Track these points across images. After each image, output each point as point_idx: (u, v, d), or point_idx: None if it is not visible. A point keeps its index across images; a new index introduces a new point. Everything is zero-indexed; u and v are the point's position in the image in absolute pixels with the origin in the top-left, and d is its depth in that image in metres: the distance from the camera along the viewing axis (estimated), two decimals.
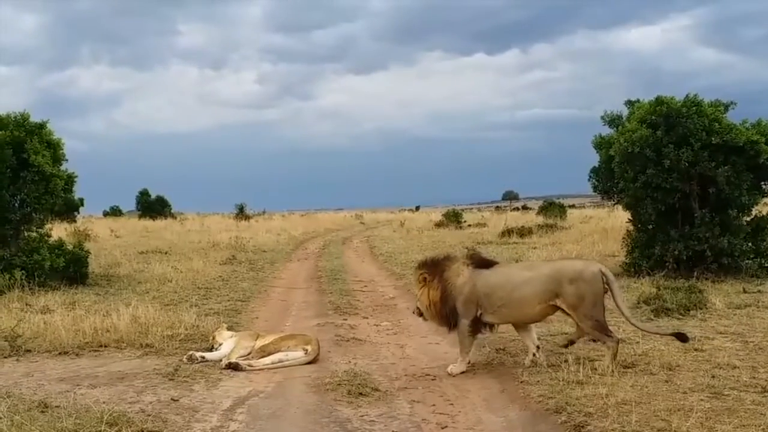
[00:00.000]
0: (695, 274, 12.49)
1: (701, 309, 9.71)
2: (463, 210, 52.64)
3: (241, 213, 52.15)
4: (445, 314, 7.19)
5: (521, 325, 7.28)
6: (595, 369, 6.67)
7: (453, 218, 38.09)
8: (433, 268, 7.31)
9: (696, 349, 7.53)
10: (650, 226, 13.72)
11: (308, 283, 15.14)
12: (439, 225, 36.67)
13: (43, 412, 5.74)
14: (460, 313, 7.11)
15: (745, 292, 11.20)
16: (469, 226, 36.55)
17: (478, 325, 7.14)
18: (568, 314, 7.03)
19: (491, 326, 7.30)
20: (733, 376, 6.48)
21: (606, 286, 6.92)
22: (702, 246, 12.73)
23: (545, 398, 6.02)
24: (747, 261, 12.97)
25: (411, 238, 28.37)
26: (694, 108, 12.81)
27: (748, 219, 13.59)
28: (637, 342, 7.72)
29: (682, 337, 7.11)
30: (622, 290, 7.80)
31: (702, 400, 5.76)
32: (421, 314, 7.48)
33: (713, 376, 6.45)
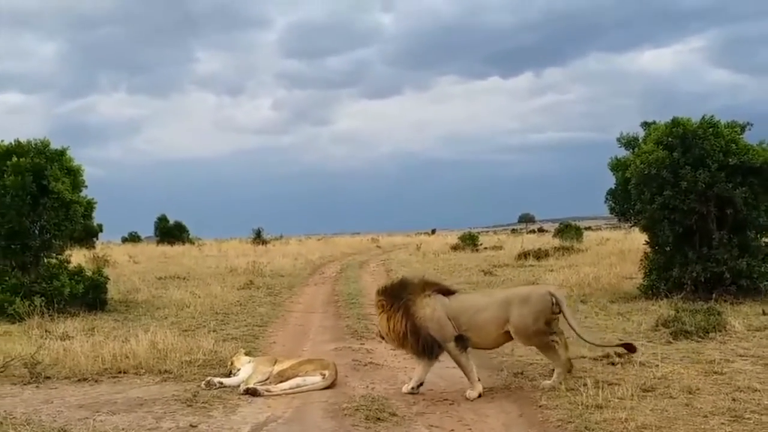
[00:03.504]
0: (714, 296, 12.38)
1: (720, 331, 9.64)
2: (479, 233, 52.62)
3: (258, 238, 52.40)
4: (421, 346, 7.25)
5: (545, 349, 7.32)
6: (615, 393, 6.64)
7: (469, 241, 38.09)
8: (393, 299, 7.40)
9: (716, 372, 7.49)
10: (668, 248, 13.65)
11: (325, 307, 15.16)
12: (455, 248, 36.66)
13: None
14: (441, 339, 7.21)
15: (764, 314, 11.10)
16: (486, 249, 36.51)
17: (464, 342, 7.22)
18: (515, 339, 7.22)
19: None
20: (754, 399, 6.43)
21: (556, 308, 7.09)
22: (720, 268, 12.65)
23: (564, 423, 6.00)
24: (766, 282, 12.88)
25: (427, 262, 28.36)
26: (710, 129, 12.80)
27: (767, 240, 13.49)
28: (657, 365, 7.67)
29: (630, 348, 7.41)
30: (575, 311, 8.00)
31: (723, 423, 5.72)
32: (382, 338, 7.67)
33: (734, 399, 6.40)
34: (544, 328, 7.08)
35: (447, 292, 7.51)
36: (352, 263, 30.93)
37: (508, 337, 7.24)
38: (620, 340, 8.27)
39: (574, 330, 7.21)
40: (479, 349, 7.64)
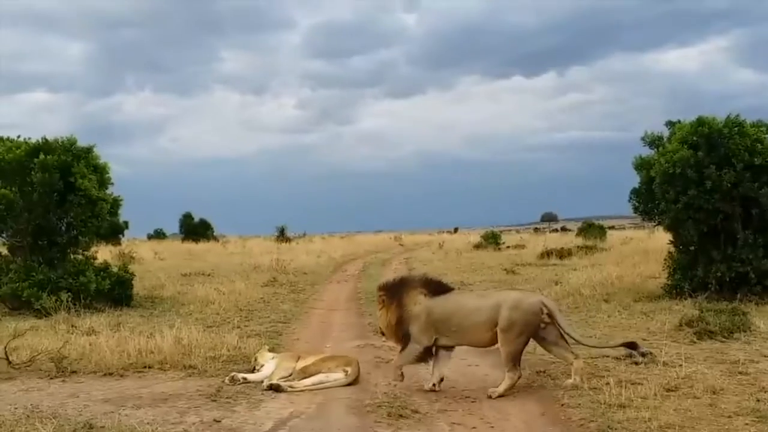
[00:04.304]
0: (738, 296, 12.30)
1: (745, 332, 9.58)
2: (501, 232, 52.45)
3: (281, 235, 52.62)
4: (401, 336, 7.48)
5: (552, 344, 7.36)
6: (638, 392, 6.62)
7: (492, 240, 38.04)
8: (391, 293, 7.60)
9: (740, 373, 7.45)
10: (692, 248, 13.54)
11: (348, 304, 15.21)
12: (477, 247, 36.63)
13: None
14: (414, 338, 7.36)
15: None
16: (508, 247, 36.41)
17: (429, 352, 7.41)
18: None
19: (448, 347, 7.51)
20: None
21: (548, 318, 7.16)
22: (745, 268, 12.53)
23: (587, 421, 5.99)
24: None
25: (450, 260, 28.36)
26: (735, 128, 12.67)
27: None
28: (680, 365, 7.63)
29: (632, 346, 7.59)
30: (568, 318, 8.53)
31: (747, 424, 5.70)
32: (382, 333, 7.83)
33: (758, 400, 6.36)
34: (526, 340, 7.17)
35: (444, 290, 7.63)
36: (375, 261, 30.97)
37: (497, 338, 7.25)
38: (625, 338, 8.37)
39: (572, 336, 7.30)
40: (474, 347, 7.71)
